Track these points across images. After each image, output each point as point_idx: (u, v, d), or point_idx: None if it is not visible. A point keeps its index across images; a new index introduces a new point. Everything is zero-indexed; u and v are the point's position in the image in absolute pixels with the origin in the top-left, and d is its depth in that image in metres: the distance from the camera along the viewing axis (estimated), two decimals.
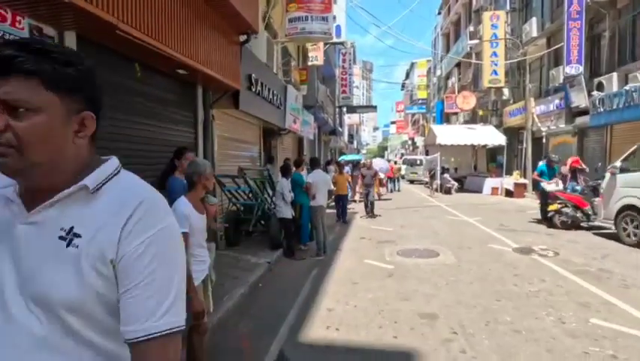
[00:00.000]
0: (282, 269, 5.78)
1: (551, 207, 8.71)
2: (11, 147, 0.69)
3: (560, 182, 9.06)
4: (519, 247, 6.82)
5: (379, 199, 14.53)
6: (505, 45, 18.95)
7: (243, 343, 3.46)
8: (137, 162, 4.60)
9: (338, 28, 15.14)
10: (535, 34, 16.42)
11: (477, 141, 18.58)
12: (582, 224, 8.46)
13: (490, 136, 18.53)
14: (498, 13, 19.04)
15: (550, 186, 9.05)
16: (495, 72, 18.81)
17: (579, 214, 8.42)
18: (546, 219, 8.95)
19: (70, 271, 0.72)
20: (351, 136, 46.60)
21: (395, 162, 29.91)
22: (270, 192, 7.17)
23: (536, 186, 9.75)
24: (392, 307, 4.12)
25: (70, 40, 3.42)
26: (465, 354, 3.10)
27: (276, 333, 3.57)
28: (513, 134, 18.99)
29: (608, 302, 4.14)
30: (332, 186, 8.23)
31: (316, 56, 13.13)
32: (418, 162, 27.44)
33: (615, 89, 11.44)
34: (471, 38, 22.85)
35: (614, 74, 11.63)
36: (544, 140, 16.11)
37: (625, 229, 6.94)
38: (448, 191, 17.47)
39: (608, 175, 7.55)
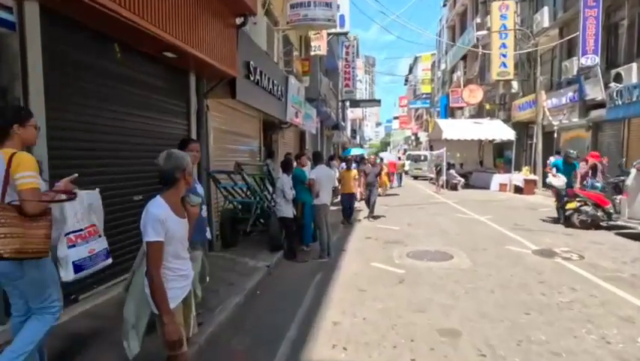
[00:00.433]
0: (282, 273, 5.29)
1: (570, 206, 8.17)
2: None
3: (564, 177, 8.45)
4: (539, 248, 6.31)
5: (384, 194, 14.04)
6: (515, 36, 18.27)
7: None
8: (121, 156, 4.11)
9: (342, 17, 14.49)
10: (546, 24, 15.75)
11: (484, 135, 17.97)
12: (602, 223, 7.93)
13: (498, 131, 17.92)
14: (507, 3, 18.32)
15: (556, 180, 8.47)
16: (504, 64, 18.15)
17: (600, 213, 7.88)
18: (563, 218, 8.43)
19: None
20: (354, 131, 46.00)
21: (399, 158, 29.46)
22: (270, 189, 6.67)
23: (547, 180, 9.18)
24: (406, 321, 3.63)
25: (32, 11, 2.90)
26: None
27: (274, 352, 3.09)
28: (522, 128, 18.36)
29: None
30: (336, 183, 7.71)
31: (319, 45, 12.52)
32: (422, 157, 26.92)
33: (635, 80, 10.82)
34: (478, 30, 22.14)
35: (634, 65, 11.00)
36: (555, 134, 15.50)
37: None
38: (454, 187, 16.96)
39: (634, 171, 7.01)
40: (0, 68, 2.81)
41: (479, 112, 24.81)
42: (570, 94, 14.24)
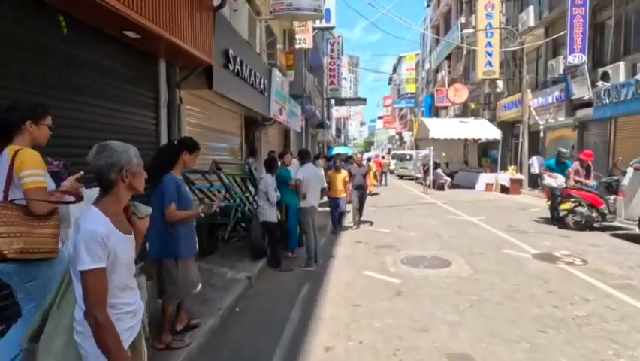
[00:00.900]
0: (265, 285, 4.72)
1: (564, 206, 7.92)
2: None
3: (563, 178, 8.27)
4: (538, 253, 5.97)
5: (370, 194, 13.57)
6: (500, 35, 18.22)
7: None
8: (74, 154, 3.45)
9: (327, 11, 13.99)
10: (532, 23, 15.69)
11: (471, 134, 17.86)
12: (595, 224, 7.71)
13: (484, 130, 17.83)
14: (493, 2, 18.22)
15: (553, 180, 8.24)
16: (489, 63, 18.06)
17: (594, 214, 7.65)
18: (556, 219, 8.18)
19: None
20: (338, 130, 45.66)
21: (383, 157, 29.18)
22: (253, 191, 6.08)
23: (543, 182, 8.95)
24: (409, 344, 3.14)
25: None
26: None
27: None
28: (507, 128, 18.33)
29: None
30: (325, 183, 7.14)
31: (305, 38, 11.94)
32: (408, 157, 26.75)
33: (622, 79, 10.75)
34: (462, 29, 22.06)
35: (621, 64, 10.94)
36: (541, 134, 15.48)
37: None
38: (441, 187, 16.75)
39: (631, 171, 6.78)
40: None
41: (464, 111, 24.81)
42: (556, 93, 14.19)
